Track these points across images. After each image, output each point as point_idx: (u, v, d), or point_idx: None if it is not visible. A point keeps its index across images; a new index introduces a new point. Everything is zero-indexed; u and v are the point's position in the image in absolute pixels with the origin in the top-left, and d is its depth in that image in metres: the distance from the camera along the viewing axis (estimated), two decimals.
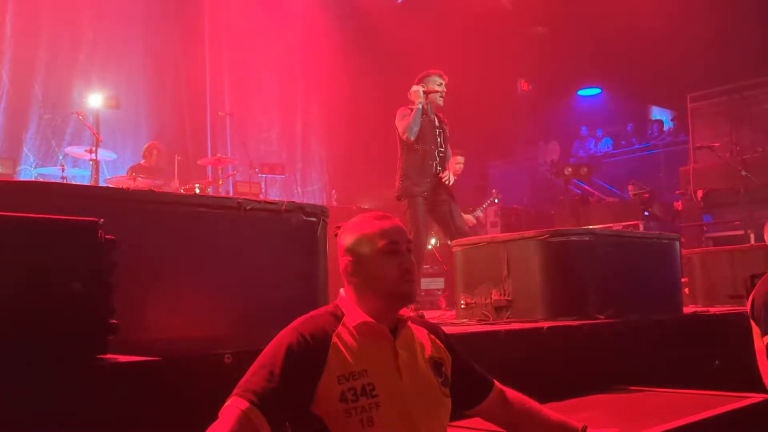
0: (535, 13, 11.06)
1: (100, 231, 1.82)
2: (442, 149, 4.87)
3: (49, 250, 1.74)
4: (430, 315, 4.71)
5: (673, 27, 9.35)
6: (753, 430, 2.41)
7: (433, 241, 8.38)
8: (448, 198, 4.86)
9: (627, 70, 10.71)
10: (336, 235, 1.76)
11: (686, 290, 5.23)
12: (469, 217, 6.91)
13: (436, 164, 4.80)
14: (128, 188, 2.43)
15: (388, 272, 1.64)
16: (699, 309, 4.84)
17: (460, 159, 7.12)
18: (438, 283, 7.96)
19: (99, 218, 1.84)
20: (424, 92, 4.73)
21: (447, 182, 4.76)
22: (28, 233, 1.73)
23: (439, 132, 4.87)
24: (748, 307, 3.13)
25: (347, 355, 1.56)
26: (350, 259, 1.66)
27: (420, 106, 4.70)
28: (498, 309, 3.83)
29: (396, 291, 1.65)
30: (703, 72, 9.27)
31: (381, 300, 1.65)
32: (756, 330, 3.08)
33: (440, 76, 4.88)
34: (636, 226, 8.01)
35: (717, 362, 3.69)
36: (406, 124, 4.71)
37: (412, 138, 4.71)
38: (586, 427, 1.79)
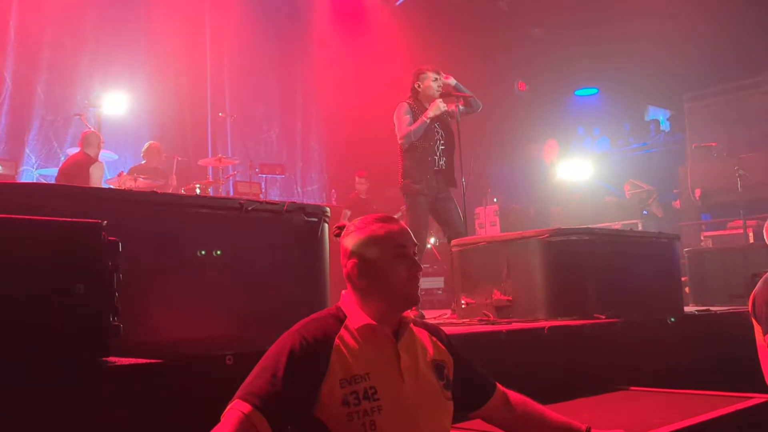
0: (532, 14, 11.07)
1: (103, 232, 1.81)
2: (443, 142, 4.82)
3: (52, 252, 1.73)
4: (430, 315, 4.71)
5: (670, 27, 9.36)
6: (755, 431, 2.41)
7: (432, 240, 8.39)
8: (449, 196, 4.85)
9: (624, 70, 10.72)
10: (336, 235, 1.76)
11: (686, 289, 5.24)
12: None
13: (437, 159, 4.76)
14: (121, 182, 2.42)
15: (398, 275, 1.64)
16: (699, 308, 4.84)
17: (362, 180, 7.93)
18: (437, 283, 7.97)
19: (101, 219, 1.83)
20: (444, 109, 4.69)
21: (441, 108, 4.67)
22: (31, 235, 1.73)
23: (439, 125, 4.81)
24: (749, 306, 3.14)
25: (349, 359, 1.56)
26: (356, 261, 1.66)
27: (427, 120, 4.66)
28: (498, 309, 3.83)
29: (404, 294, 1.65)
30: (699, 72, 9.29)
31: (387, 302, 1.64)
32: (757, 328, 3.09)
33: (435, 71, 4.84)
34: (635, 226, 8.03)
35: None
36: (406, 132, 4.68)
37: (406, 145, 4.72)
38: (590, 428, 1.79)
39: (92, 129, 6.57)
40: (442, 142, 4.81)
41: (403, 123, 4.73)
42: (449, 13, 10.38)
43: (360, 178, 8.38)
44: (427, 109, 4.81)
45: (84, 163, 6.19)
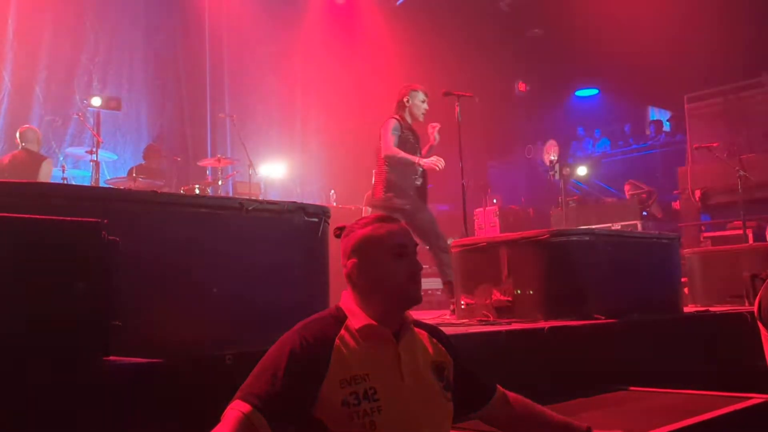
0: (532, 14, 11.08)
1: (103, 232, 1.81)
2: (420, 166, 4.90)
3: (51, 251, 1.73)
4: (430, 315, 4.71)
5: (670, 28, 9.37)
6: (755, 431, 2.41)
7: None
8: (425, 207, 4.91)
9: (624, 71, 10.72)
10: (337, 235, 1.76)
11: (685, 290, 5.24)
12: None
13: (416, 178, 4.84)
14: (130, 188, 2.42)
15: (397, 275, 1.64)
16: (699, 308, 4.84)
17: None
18: (437, 283, 7.95)
19: (101, 219, 1.83)
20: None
21: (438, 168, 4.74)
22: (31, 234, 1.73)
23: (419, 148, 4.90)
24: (755, 309, 3.12)
25: (349, 359, 1.56)
26: (355, 261, 1.66)
27: (416, 162, 4.70)
28: (498, 309, 3.83)
29: (404, 294, 1.65)
30: (699, 73, 9.29)
31: (386, 303, 1.64)
32: (763, 332, 3.07)
33: (425, 93, 4.92)
34: (634, 226, 8.02)
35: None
36: (395, 153, 4.70)
37: (390, 161, 4.76)
38: (590, 428, 1.79)
39: (30, 125, 6.52)
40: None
41: (390, 141, 4.75)
42: (450, 13, 10.39)
43: None
44: (412, 126, 4.88)
45: (28, 160, 6.10)
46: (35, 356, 1.67)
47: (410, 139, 4.82)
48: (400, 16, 10.58)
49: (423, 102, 4.88)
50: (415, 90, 4.90)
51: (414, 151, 4.84)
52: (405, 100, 4.89)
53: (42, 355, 1.68)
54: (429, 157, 4.89)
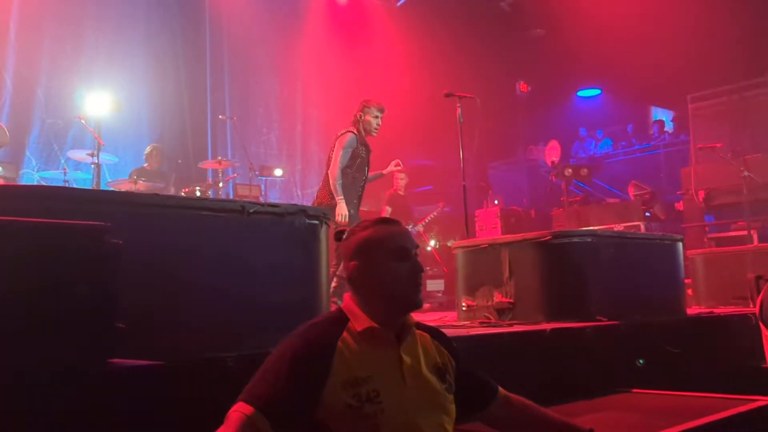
0: (534, 14, 11.07)
1: (105, 235, 1.82)
2: (365, 179, 5.00)
3: (54, 255, 1.74)
4: (431, 317, 4.71)
5: (673, 27, 9.35)
6: None
7: (432, 242, 8.38)
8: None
9: (627, 70, 10.70)
10: (337, 239, 1.76)
11: (689, 292, 5.23)
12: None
13: (359, 190, 4.96)
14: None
15: (398, 277, 1.64)
16: (703, 310, 4.83)
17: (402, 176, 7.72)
18: (438, 285, 7.95)
19: (102, 222, 1.84)
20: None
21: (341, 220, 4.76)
22: (34, 237, 1.73)
23: (368, 162, 4.99)
24: (756, 310, 3.12)
25: (352, 362, 1.56)
26: (357, 263, 1.66)
27: (337, 202, 4.71)
28: (500, 311, 3.83)
29: (405, 296, 1.65)
30: (703, 72, 9.26)
31: (388, 305, 1.64)
32: (765, 332, 3.07)
33: (380, 109, 4.97)
34: (637, 227, 8.01)
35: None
36: (336, 178, 4.74)
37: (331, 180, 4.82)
38: (592, 430, 1.78)
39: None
40: (365, 179, 5.02)
41: (338, 161, 4.80)
42: (450, 13, 10.38)
43: (400, 173, 8.28)
44: (366, 141, 4.96)
45: None
46: (39, 358, 1.67)
47: (362, 153, 4.92)
48: (401, 17, 10.58)
49: (376, 118, 4.95)
50: (368, 106, 4.96)
51: (363, 165, 4.95)
52: (358, 115, 4.95)
53: (46, 358, 1.68)
54: (371, 180, 5.06)
